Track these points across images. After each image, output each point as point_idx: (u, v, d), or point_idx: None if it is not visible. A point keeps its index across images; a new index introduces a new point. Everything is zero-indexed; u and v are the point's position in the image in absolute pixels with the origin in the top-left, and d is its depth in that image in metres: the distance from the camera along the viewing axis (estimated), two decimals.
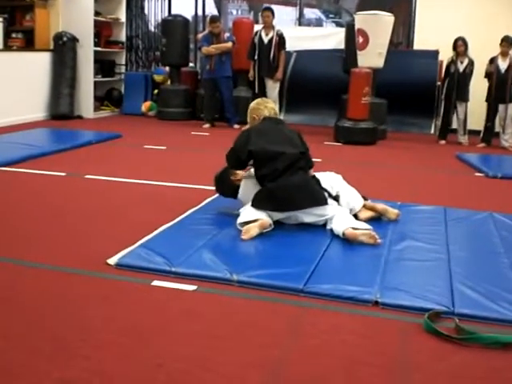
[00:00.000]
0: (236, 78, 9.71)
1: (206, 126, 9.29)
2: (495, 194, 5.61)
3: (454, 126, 8.84)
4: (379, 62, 8.42)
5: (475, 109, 8.63)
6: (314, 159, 4.32)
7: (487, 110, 8.57)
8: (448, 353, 2.46)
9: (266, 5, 10.22)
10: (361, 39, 8.37)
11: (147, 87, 10.75)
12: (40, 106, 9.43)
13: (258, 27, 9.40)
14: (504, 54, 8.34)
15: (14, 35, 9.36)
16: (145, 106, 10.41)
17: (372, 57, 8.34)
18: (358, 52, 8.46)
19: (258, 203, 3.93)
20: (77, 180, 5.36)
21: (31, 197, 4.75)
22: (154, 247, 3.45)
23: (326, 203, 3.93)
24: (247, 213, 3.91)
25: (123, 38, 11.01)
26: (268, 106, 4.35)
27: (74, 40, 9.58)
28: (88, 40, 9.78)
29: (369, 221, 4.15)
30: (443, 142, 8.74)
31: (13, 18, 9.57)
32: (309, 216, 3.94)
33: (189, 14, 11.28)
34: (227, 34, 9.25)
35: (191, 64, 11.11)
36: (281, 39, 8.94)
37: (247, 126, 4.48)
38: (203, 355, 2.36)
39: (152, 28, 11.94)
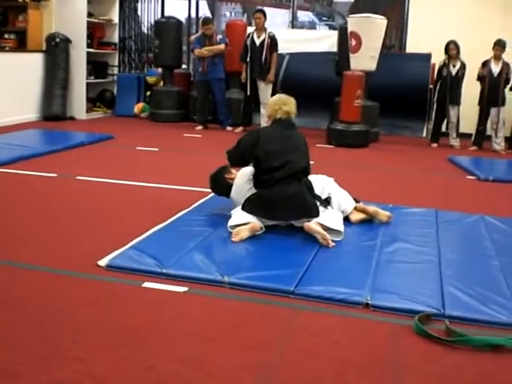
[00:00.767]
0: (228, 80, 9.71)
1: (199, 127, 9.28)
2: (486, 196, 5.63)
3: (446, 129, 8.87)
4: (372, 65, 8.44)
5: (467, 112, 8.66)
6: None
7: (479, 113, 8.61)
8: (439, 355, 2.47)
9: (258, 7, 10.23)
10: (354, 42, 8.39)
11: (140, 89, 10.73)
12: (32, 106, 9.40)
13: (250, 29, 9.41)
14: (497, 58, 8.38)
15: (6, 36, 9.34)
16: (137, 107, 10.39)
17: (365, 60, 8.36)
18: (351, 55, 8.48)
19: (249, 208, 3.91)
20: (68, 181, 5.34)
21: (22, 198, 4.73)
22: (145, 249, 3.45)
23: (317, 215, 3.87)
24: (238, 215, 3.90)
25: (116, 39, 10.98)
26: (283, 108, 4.18)
27: (66, 41, 9.56)
28: (81, 41, 9.76)
29: (361, 223, 4.18)
30: (435, 145, 8.76)
31: (5, 19, 9.55)
32: (299, 222, 3.93)
33: (182, 16, 11.27)
34: (220, 36, 9.25)
35: (184, 66, 11.11)
36: (273, 41, 8.94)
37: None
38: (195, 357, 2.35)
39: (145, 30, 11.92)
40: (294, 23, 11.10)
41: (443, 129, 8.87)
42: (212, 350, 2.42)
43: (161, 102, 9.98)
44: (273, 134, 4.13)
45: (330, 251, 3.61)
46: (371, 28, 8.33)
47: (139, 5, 11.73)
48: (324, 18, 12.09)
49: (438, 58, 8.91)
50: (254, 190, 4.04)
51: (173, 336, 2.52)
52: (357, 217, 4.21)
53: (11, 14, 9.57)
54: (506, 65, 8.37)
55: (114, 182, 5.34)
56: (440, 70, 8.67)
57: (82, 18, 9.72)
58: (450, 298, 2.95)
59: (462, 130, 8.80)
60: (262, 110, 9.18)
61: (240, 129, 9.25)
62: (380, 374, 2.32)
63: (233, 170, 4.34)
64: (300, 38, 10.50)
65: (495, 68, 8.40)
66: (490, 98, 8.42)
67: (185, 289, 2.99)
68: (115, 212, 4.41)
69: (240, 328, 2.62)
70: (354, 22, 8.46)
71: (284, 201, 3.86)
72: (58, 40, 9.45)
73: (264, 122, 9.15)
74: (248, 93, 9.10)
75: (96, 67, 10.53)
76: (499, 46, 8.31)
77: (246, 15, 12.71)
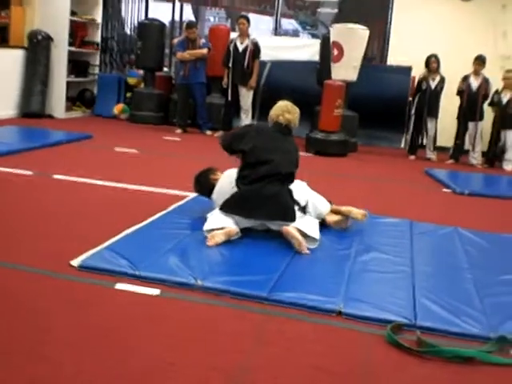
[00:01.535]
0: (210, 85, 9.70)
1: (178, 131, 9.26)
2: (462, 209, 5.68)
3: (424, 141, 8.95)
4: (353, 75, 8.49)
5: (446, 126, 8.75)
6: None
7: (457, 127, 8.70)
8: (410, 365, 2.48)
9: (242, 13, 10.25)
10: (336, 52, 8.44)
11: (120, 89, 10.66)
12: (11, 103, 9.30)
13: (234, 35, 9.41)
14: (476, 73, 8.48)
15: None
16: (117, 108, 10.33)
17: (346, 69, 8.41)
18: (333, 64, 8.53)
19: (227, 207, 3.91)
20: (44, 179, 5.29)
21: None
22: (119, 250, 3.42)
23: (293, 220, 3.86)
24: (214, 219, 3.89)
25: (98, 38, 10.92)
26: (286, 115, 4.25)
27: (48, 39, 9.48)
28: (63, 39, 9.69)
29: (336, 228, 4.20)
30: (413, 157, 8.83)
31: None
32: (275, 225, 3.93)
33: (166, 19, 11.23)
34: (203, 41, 9.25)
35: (166, 69, 11.07)
36: (255, 48, 8.96)
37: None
38: (166, 357, 2.34)
39: (128, 30, 11.87)
40: (278, 30, 11.13)
41: (421, 141, 8.95)
42: (183, 351, 2.41)
43: (141, 104, 9.93)
44: (267, 131, 4.23)
45: (304, 258, 3.62)
46: (353, 38, 8.39)
47: (123, 5, 11.67)
48: (307, 27, 12.12)
49: (418, 72, 8.99)
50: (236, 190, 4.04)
51: (143, 337, 2.50)
52: (333, 218, 4.24)
53: None
54: (485, 80, 8.46)
55: (91, 182, 5.30)
56: (419, 83, 8.75)
57: (64, 16, 9.66)
58: (422, 309, 2.96)
59: (440, 143, 8.89)
60: (243, 116, 9.20)
61: (220, 133, 9.23)
62: (352, 382, 2.32)
63: (218, 172, 4.36)
64: (283, 45, 10.52)
65: (474, 83, 8.49)
66: (469, 112, 8.51)
67: (157, 291, 2.97)
68: (91, 212, 4.38)
69: (212, 332, 2.61)
70: (337, 32, 8.51)
71: (263, 199, 3.87)
72: (39, 37, 9.37)
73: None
74: (229, 98, 9.10)
75: (77, 66, 10.45)
76: (479, 61, 8.41)
77: (229, 21, 12.71)
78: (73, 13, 9.98)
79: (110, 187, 5.20)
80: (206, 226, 3.86)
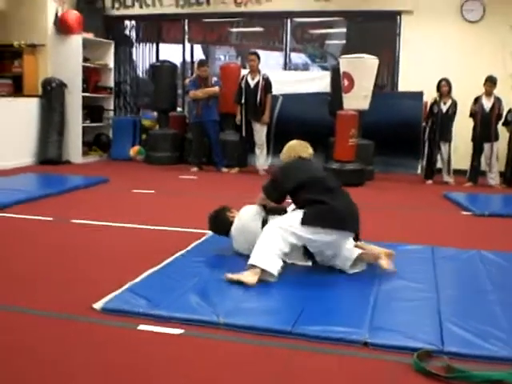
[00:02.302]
0: (223, 122, 9.79)
1: (194, 169, 9.31)
2: (482, 232, 5.62)
3: (440, 165, 8.92)
4: (365, 104, 8.52)
5: (461, 148, 8.73)
6: None
7: (473, 149, 8.67)
8: None
9: (252, 50, 10.37)
10: (346, 82, 8.49)
11: (135, 132, 10.80)
12: (28, 151, 9.45)
13: (244, 72, 9.51)
14: (488, 94, 8.48)
15: (2, 81, 9.42)
16: (133, 150, 10.43)
17: (357, 99, 8.44)
18: (344, 95, 8.57)
19: (315, 220, 3.78)
20: (64, 224, 5.33)
21: (17, 241, 4.71)
22: (140, 291, 3.42)
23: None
24: (270, 258, 3.71)
25: (111, 83, 11.10)
26: (308, 150, 4.28)
27: (62, 85, 9.66)
28: (76, 85, 9.87)
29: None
30: (430, 181, 8.80)
31: (1, 64, 9.66)
32: (344, 249, 3.91)
33: (177, 60, 11.40)
34: (215, 79, 9.37)
35: (179, 109, 11.20)
36: (267, 83, 9.05)
37: (280, 162, 4.39)
38: None
39: (140, 73, 12.05)
40: (288, 65, 11.23)
41: (437, 165, 8.92)
42: None
43: (156, 145, 10.04)
44: (302, 162, 4.19)
45: (326, 289, 3.59)
46: (363, 68, 8.44)
47: (134, 49, 11.88)
48: (317, 60, 12.21)
49: (430, 96, 9.01)
50: (260, 225, 4.01)
51: (167, 379, 2.48)
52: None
53: (7, 60, 9.70)
54: (497, 100, 8.46)
55: (109, 225, 5.33)
56: (431, 107, 8.76)
57: (77, 62, 9.86)
58: (449, 335, 2.92)
59: (457, 166, 8.85)
60: (257, 151, 9.25)
61: (236, 170, 9.29)
62: None
63: (233, 210, 4.37)
64: (293, 79, 10.59)
65: (487, 104, 8.49)
66: (483, 133, 8.49)
67: (180, 331, 2.96)
68: (111, 254, 4.39)
69: (235, 370, 2.58)
70: (346, 63, 8.57)
71: (352, 213, 3.95)
72: (53, 85, 9.56)
73: (259, 163, 9.21)
74: (243, 134, 9.16)
75: (92, 111, 10.61)
76: (490, 82, 8.42)
77: (240, 58, 12.84)
78: (85, 59, 10.18)
79: (128, 229, 5.22)
80: (260, 263, 3.68)
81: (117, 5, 11.25)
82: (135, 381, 2.46)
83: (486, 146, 8.56)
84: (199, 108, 9.15)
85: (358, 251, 3.91)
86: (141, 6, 11.20)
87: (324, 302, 3.39)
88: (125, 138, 10.69)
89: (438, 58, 9.74)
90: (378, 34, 10.43)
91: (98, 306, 3.23)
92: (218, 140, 9.42)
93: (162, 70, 10.24)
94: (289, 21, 10.99)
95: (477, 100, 8.56)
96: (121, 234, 5.05)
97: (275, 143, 9.89)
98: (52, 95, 9.57)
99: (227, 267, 3.85)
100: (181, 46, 11.58)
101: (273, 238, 3.75)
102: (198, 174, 9.09)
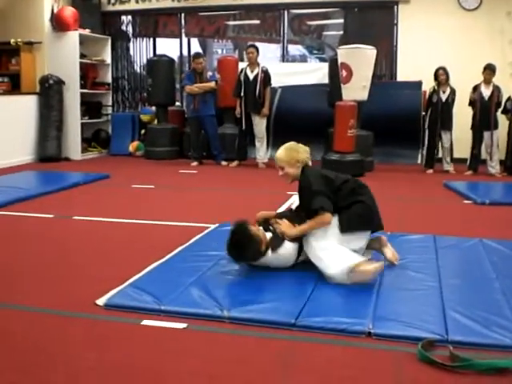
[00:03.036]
0: (222, 116, 9.78)
1: (194, 163, 9.31)
2: (484, 220, 5.62)
3: (440, 154, 8.91)
4: (363, 95, 8.50)
5: (460, 137, 8.71)
6: None
7: (472, 137, 8.65)
8: (445, 381, 2.43)
9: (250, 42, 10.34)
10: (344, 73, 8.46)
11: (134, 127, 10.79)
12: (27, 148, 9.43)
13: (242, 65, 9.49)
14: (487, 82, 8.45)
15: (0, 79, 9.40)
16: (132, 146, 10.42)
17: (356, 90, 8.42)
18: (342, 85, 8.55)
19: (360, 224, 3.75)
20: (65, 221, 5.32)
21: (19, 239, 4.71)
22: (142, 286, 3.42)
23: None
24: (345, 255, 3.59)
25: (109, 79, 11.09)
26: (309, 156, 4.02)
27: (60, 82, 9.64)
28: (74, 82, 9.85)
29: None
30: (430, 171, 8.79)
31: None
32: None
33: (174, 55, 11.38)
34: (210, 73, 9.35)
35: (178, 103, 11.18)
36: (266, 75, 9.03)
37: (290, 169, 3.91)
38: None
39: (138, 68, 12.02)
40: (286, 57, 11.20)
41: (437, 154, 8.91)
42: None
43: (155, 140, 10.01)
44: (319, 168, 4.20)
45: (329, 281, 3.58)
46: (361, 58, 8.42)
47: (131, 44, 11.85)
48: (314, 51, 12.17)
49: (428, 85, 8.99)
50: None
51: (172, 374, 2.48)
52: None
53: (4, 57, 9.68)
54: (496, 88, 8.43)
55: (110, 221, 5.33)
56: (430, 96, 8.74)
57: (74, 59, 9.83)
58: (453, 323, 2.92)
59: (457, 154, 8.84)
60: (257, 144, 9.23)
61: (235, 163, 9.28)
62: None
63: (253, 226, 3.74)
64: (291, 71, 10.58)
65: (486, 92, 8.46)
66: (483, 122, 8.47)
67: (184, 325, 2.96)
68: (113, 250, 4.39)
69: (241, 363, 2.58)
70: (344, 54, 8.54)
71: (377, 210, 3.94)
72: (51, 82, 9.53)
73: (259, 156, 9.19)
74: (243, 127, 9.14)
75: (90, 107, 10.60)
76: (489, 70, 8.39)
77: (237, 51, 12.80)
78: (82, 55, 10.15)
79: (129, 224, 5.22)
80: (346, 264, 3.50)
81: (113, 0, 11.22)
82: (141, 375, 2.46)
83: (486, 134, 8.54)
84: (196, 102, 9.16)
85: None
86: (137, 1, 11.18)
87: (327, 293, 3.39)
88: (124, 134, 10.68)
89: (435, 47, 9.71)
90: (375, 23, 10.40)
91: (101, 301, 3.24)
92: (216, 134, 9.41)
93: (159, 65, 10.21)
94: (286, 12, 10.96)
95: (476, 88, 8.54)
96: (122, 230, 5.05)
97: (274, 136, 9.89)
98: (50, 92, 9.55)
99: (229, 260, 3.84)
100: (178, 40, 11.55)
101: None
102: (198, 168, 9.08)
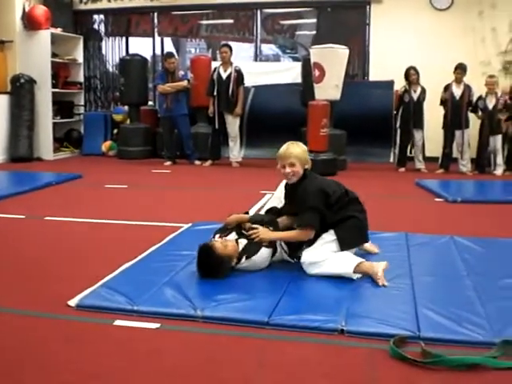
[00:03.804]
0: (195, 115, 9.75)
1: (168, 163, 9.28)
2: (455, 218, 5.68)
3: (411, 153, 8.99)
4: (336, 94, 8.54)
5: (432, 136, 8.81)
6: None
7: (444, 136, 8.75)
8: (417, 378, 2.45)
9: (223, 42, 10.34)
10: (317, 72, 8.50)
11: (107, 127, 10.73)
12: None
13: (216, 64, 9.48)
14: (458, 81, 8.55)
15: None
16: (105, 145, 10.36)
17: (328, 89, 8.46)
18: (315, 85, 8.58)
19: (357, 240, 3.90)
20: (37, 222, 5.27)
21: None
22: (115, 286, 3.39)
23: None
24: (347, 258, 3.68)
25: (81, 78, 11.01)
26: None
27: (31, 82, 9.54)
28: (46, 81, 9.76)
29: None
30: (402, 169, 8.87)
31: None
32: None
33: (147, 54, 11.33)
34: (182, 73, 9.34)
35: (150, 102, 11.13)
36: (239, 75, 9.03)
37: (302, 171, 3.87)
38: None
39: (110, 68, 11.95)
40: (259, 56, 11.22)
41: (409, 153, 8.99)
42: None
43: (128, 140, 9.96)
44: (319, 177, 3.98)
45: (303, 279, 3.59)
46: (333, 58, 8.46)
47: (103, 43, 11.77)
48: (287, 51, 12.21)
49: (400, 85, 9.06)
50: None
51: (144, 374, 2.46)
52: None
53: None
54: (467, 87, 8.54)
55: (83, 221, 5.28)
56: (401, 96, 8.82)
57: (46, 58, 9.74)
58: (425, 320, 2.94)
59: (429, 153, 8.93)
60: (231, 144, 9.23)
61: (209, 162, 9.27)
62: None
63: (219, 240, 3.72)
64: (265, 70, 10.60)
65: (457, 91, 8.56)
66: (454, 121, 8.57)
67: (157, 325, 2.94)
68: (85, 251, 4.35)
69: (214, 362, 2.58)
70: (317, 53, 8.57)
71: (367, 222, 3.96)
72: (22, 81, 9.44)
73: (233, 155, 9.19)
74: (216, 126, 9.13)
75: (62, 107, 10.51)
76: (460, 69, 8.49)
77: (210, 50, 12.79)
78: (54, 54, 10.06)
79: (102, 224, 5.18)
80: (351, 266, 3.59)
81: None
82: (111, 375, 2.44)
83: (457, 133, 8.63)
84: (169, 102, 9.14)
85: None
86: (109, 0, 11.11)
87: (300, 292, 3.40)
88: (96, 133, 10.61)
89: (407, 47, 9.80)
90: (348, 23, 10.47)
91: (72, 302, 3.20)
92: (189, 133, 9.40)
93: (131, 64, 10.16)
94: (259, 12, 10.98)
95: (447, 88, 8.63)
96: (96, 230, 5.01)
97: (248, 135, 9.90)
98: (21, 92, 9.45)
99: None
100: (150, 39, 11.51)
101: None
102: (171, 167, 9.06)
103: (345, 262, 3.62)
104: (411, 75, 8.66)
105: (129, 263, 3.88)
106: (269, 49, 12.14)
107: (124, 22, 11.62)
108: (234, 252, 3.66)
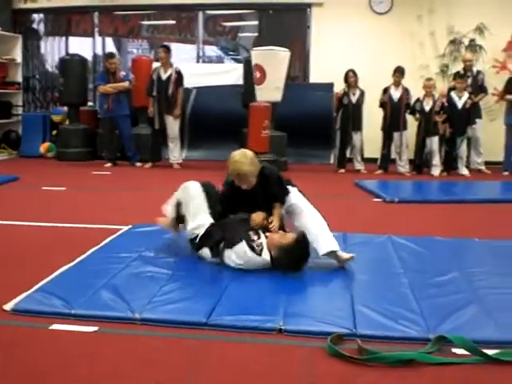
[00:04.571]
0: (136, 116, 9.66)
1: (108, 165, 9.16)
2: (393, 217, 5.79)
3: (350, 154, 9.12)
4: (277, 96, 8.60)
5: (371, 137, 8.95)
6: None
7: (383, 138, 8.91)
8: (354, 375, 2.48)
9: (164, 43, 10.29)
10: (258, 74, 8.54)
11: (45, 128, 10.52)
12: None
13: (157, 65, 9.42)
14: (396, 84, 8.72)
15: None
16: (43, 147, 10.15)
17: (270, 91, 8.52)
18: (256, 87, 8.62)
19: None
20: None
21: None
22: (52, 290, 3.32)
23: None
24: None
25: (20, 78, 10.77)
26: None
27: None
28: None
29: None
30: (342, 170, 8.99)
31: None
32: None
33: (88, 54, 11.17)
34: (123, 73, 9.23)
35: (90, 103, 10.97)
36: (179, 76, 8.98)
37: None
38: None
39: (49, 68, 11.74)
40: (202, 58, 11.20)
41: (349, 155, 9.12)
42: None
43: (67, 141, 9.79)
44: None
45: (241, 280, 3.59)
46: (274, 60, 8.52)
47: (43, 43, 11.55)
48: (230, 52, 12.23)
49: (340, 87, 9.18)
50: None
51: (81, 377, 2.43)
52: None
53: None
54: (405, 90, 8.72)
55: (19, 224, 5.16)
56: (341, 98, 8.94)
57: None
58: (362, 317, 2.99)
59: (368, 154, 9.08)
60: (171, 145, 9.15)
61: (149, 165, 9.18)
62: None
63: (279, 233, 3.95)
64: (207, 72, 10.61)
65: (395, 94, 8.73)
66: (392, 122, 8.74)
67: (95, 328, 2.90)
68: (22, 254, 4.25)
69: (152, 364, 2.56)
70: (258, 55, 8.62)
71: None
72: None
73: (173, 156, 9.13)
74: (156, 127, 9.06)
75: None
76: (399, 72, 8.67)
77: (153, 51, 12.71)
78: None
79: (39, 227, 5.07)
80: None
81: None
82: (50, 380, 2.39)
83: (396, 134, 8.81)
84: (110, 102, 9.02)
85: None
86: None
87: (239, 292, 3.40)
88: (35, 135, 10.39)
89: (348, 50, 9.95)
90: (289, 26, 10.57)
91: (8, 307, 3.13)
92: (130, 135, 9.31)
93: (71, 64, 10.00)
94: (201, 13, 10.96)
95: (386, 90, 8.79)
96: (32, 233, 4.90)
97: (190, 136, 9.87)
98: None
99: (141, 262, 3.84)
100: (91, 39, 11.35)
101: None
102: (112, 169, 8.95)
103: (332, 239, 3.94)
104: (350, 78, 8.80)
105: (66, 266, 3.81)
106: (211, 50, 12.15)
107: (64, 22, 11.44)
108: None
